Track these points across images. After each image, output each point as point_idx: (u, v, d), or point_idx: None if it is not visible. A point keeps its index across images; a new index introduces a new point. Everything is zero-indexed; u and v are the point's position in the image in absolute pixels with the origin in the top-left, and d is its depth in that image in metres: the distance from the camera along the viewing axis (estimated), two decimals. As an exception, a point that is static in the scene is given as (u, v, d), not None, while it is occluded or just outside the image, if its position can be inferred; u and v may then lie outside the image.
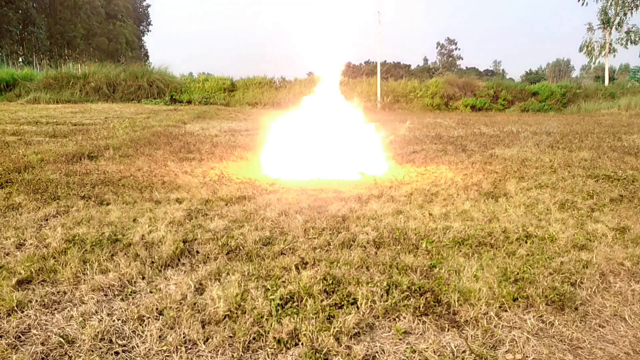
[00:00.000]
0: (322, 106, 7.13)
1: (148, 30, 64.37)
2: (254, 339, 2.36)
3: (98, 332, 2.37)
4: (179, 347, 2.29)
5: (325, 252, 3.48)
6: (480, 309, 2.65)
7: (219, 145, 9.04)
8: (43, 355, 2.22)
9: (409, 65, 56.72)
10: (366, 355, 2.26)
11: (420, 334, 2.45)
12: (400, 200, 4.98)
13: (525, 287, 2.89)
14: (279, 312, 2.57)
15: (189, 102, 22.71)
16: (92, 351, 2.25)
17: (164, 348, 2.29)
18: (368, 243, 3.65)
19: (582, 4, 30.09)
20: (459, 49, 67.79)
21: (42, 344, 2.30)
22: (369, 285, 2.86)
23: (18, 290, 2.80)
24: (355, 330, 2.44)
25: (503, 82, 28.22)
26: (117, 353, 2.25)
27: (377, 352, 2.29)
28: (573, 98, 24.43)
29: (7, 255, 3.35)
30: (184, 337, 2.36)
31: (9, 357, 2.20)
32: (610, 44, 29.75)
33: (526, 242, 3.73)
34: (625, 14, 29.19)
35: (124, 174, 6.08)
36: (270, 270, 3.11)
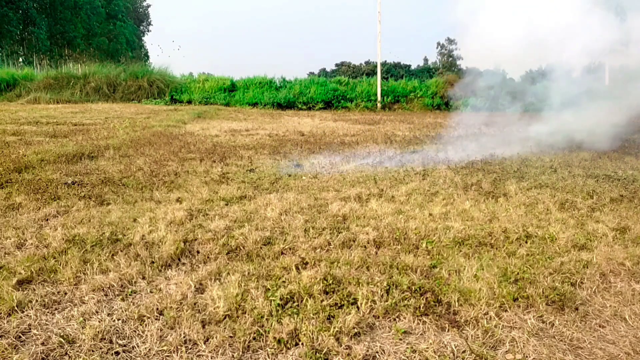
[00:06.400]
0: None
1: (148, 30, 64.34)
2: (254, 339, 2.36)
3: (98, 332, 2.38)
4: (179, 347, 2.30)
5: (326, 252, 3.48)
6: (481, 309, 2.65)
7: (219, 145, 9.04)
8: (43, 355, 2.22)
9: (409, 65, 56.48)
10: (366, 355, 2.26)
11: (421, 334, 2.45)
12: (401, 199, 4.98)
13: (526, 287, 2.89)
14: (279, 312, 2.57)
15: (189, 102, 22.72)
16: (92, 351, 2.25)
17: (164, 348, 2.29)
18: (368, 243, 3.65)
19: (583, 3, 30.11)
20: (459, 49, 67.67)
21: (43, 344, 2.30)
22: (369, 285, 2.86)
23: (18, 290, 2.80)
24: (356, 330, 2.44)
25: (503, 82, 28.15)
26: (117, 353, 2.26)
27: (377, 352, 2.29)
28: (573, 98, 24.40)
29: (7, 255, 3.36)
30: (184, 337, 2.36)
31: (10, 357, 2.20)
32: (611, 44, 29.75)
33: (526, 242, 3.73)
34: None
35: (124, 174, 6.08)
36: (271, 270, 3.11)
